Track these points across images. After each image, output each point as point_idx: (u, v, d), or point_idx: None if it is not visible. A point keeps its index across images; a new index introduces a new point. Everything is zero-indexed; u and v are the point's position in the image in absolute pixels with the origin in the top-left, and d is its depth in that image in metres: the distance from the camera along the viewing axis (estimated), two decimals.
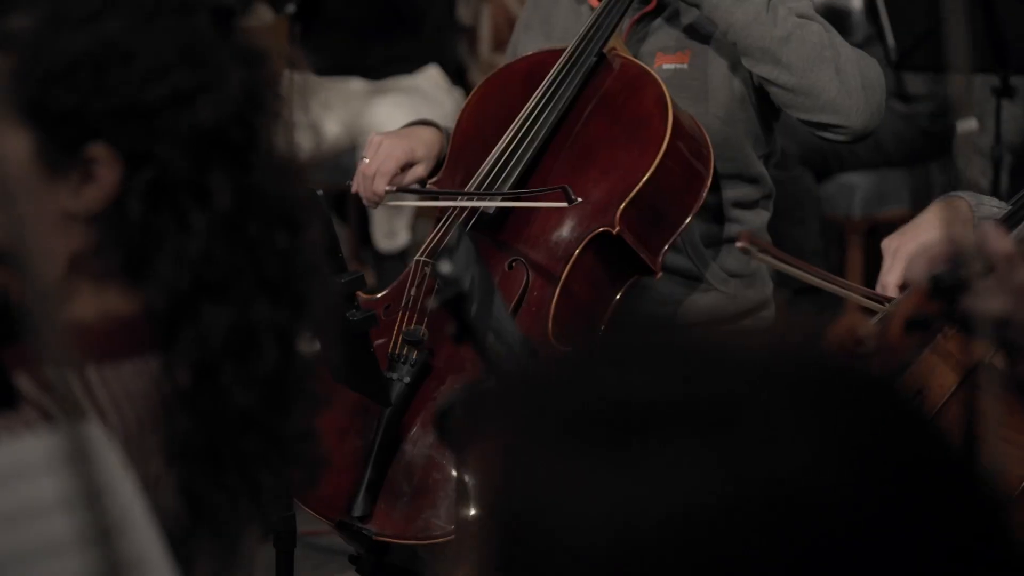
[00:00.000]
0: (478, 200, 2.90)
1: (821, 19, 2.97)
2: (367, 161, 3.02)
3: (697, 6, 2.93)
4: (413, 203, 3.03)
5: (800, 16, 2.93)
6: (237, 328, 1.43)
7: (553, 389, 0.95)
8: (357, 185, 3.02)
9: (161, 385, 1.44)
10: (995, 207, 2.61)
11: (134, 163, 1.43)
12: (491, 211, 2.91)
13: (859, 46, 4.95)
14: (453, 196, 2.96)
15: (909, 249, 2.55)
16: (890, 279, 2.58)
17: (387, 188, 2.99)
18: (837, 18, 5.16)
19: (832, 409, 0.91)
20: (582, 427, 0.91)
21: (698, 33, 3.01)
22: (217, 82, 1.43)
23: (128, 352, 1.45)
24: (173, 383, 1.43)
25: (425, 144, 3.05)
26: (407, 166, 3.02)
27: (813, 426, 0.90)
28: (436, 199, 3.03)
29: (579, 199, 2.77)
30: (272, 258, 1.45)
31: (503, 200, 2.88)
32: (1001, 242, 1.73)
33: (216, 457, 1.44)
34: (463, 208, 2.94)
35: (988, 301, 1.72)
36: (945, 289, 1.72)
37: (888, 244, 2.60)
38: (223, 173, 1.43)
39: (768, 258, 2.58)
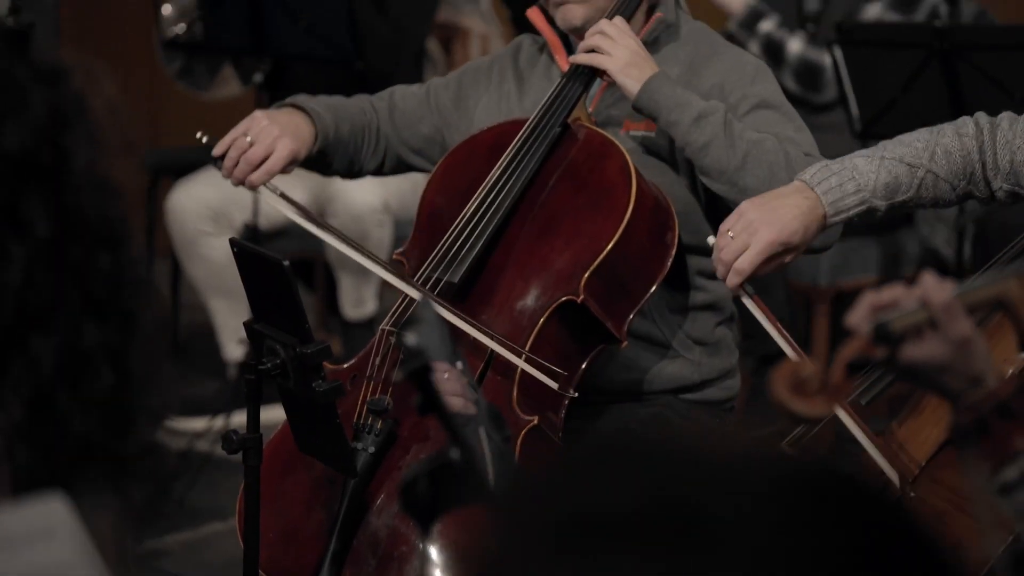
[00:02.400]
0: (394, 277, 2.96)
1: (786, 108, 2.99)
2: (250, 141, 3.07)
3: (654, 118, 2.95)
4: (283, 208, 3.07)
5: (764, 106, 2.96)
6: (67, 354, 1.41)
7: (526, 503, 0.95)
8: (232, 163, 3.08)
9: None
10: (852, 193, 2.66)
11: None
12: (456, 280, 2.92)
13: (831, 104, 5.02)
14: (346, 243, 3.06)
15: (771, 239, 2.65)
16: (745, 262, 2.65)
17: (264, 186, 3.09)
18: (811, 74, 5.20)
19: (798, 516, 0.91)
20: (548, 540, 0.91)
21: None
22: (20, 105, 1.41)
23: None
24: (8, 416, 1.41)
25: (307, 146, 3.14)
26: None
27: (780, 538, 0.90)
28: (306, 217, 3.11)
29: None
30: (97, 280, 1.43)
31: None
32: (939, 293, 1.77)
33: (64, 486, 1.42)
34: (429, 277, 2.94)
35: (928, 350, 1.76)
36: (887, 337, 1.76)
37: (750, 217, 2.67)
38: (37, 198, 1.40)
39: (754, 306, 2.65)
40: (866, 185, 2.68)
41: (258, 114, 3.12)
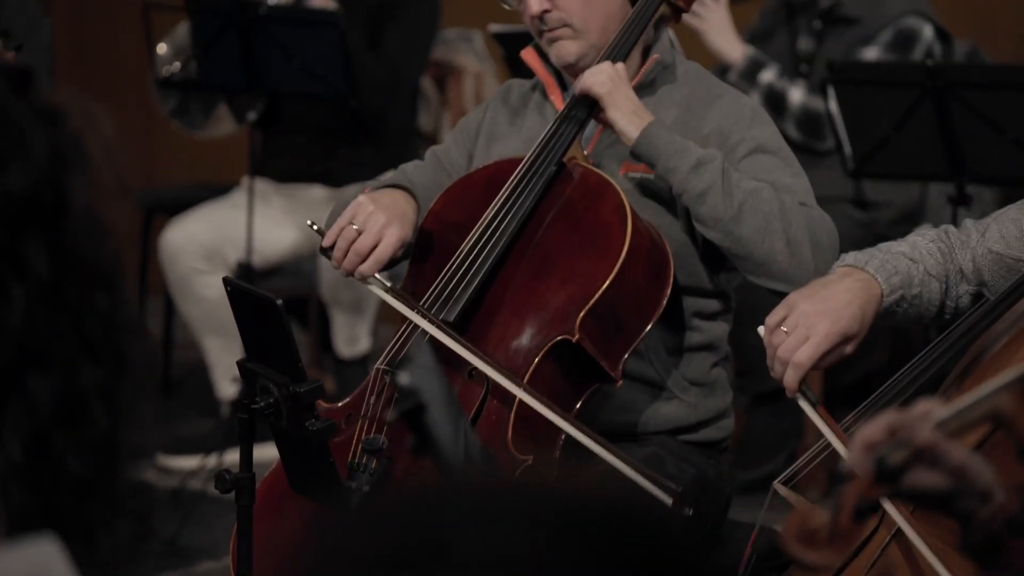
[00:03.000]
0: (465, 349, 2.89)
1: (785, 152, 2.99)
2: (357, 230, 3.00)
3: (651, 164, 2.95)
4: (389, 299, 3.01)
5: (761, 151, 2.96)
6: (65, 395, 1.41)
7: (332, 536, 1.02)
8: (341, 254, 3.00)
9: None
10: (894, 274, 2.60)
11: None
12: (451, 319, 2.91)
13: (832, 152, 5.03)
14: (440, 328, 2.93)
15: (829, 330, 2.54)
16: (804, 356, 2.55)
17: (378, 278, 3.00)
18: (812, 122, 5.21)
19: (550, 547, 0.95)
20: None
21: None
22: (22, 147, 1.41)
23: None
24: (6, 457, 1.41)
25: (413, 227, 3.05)
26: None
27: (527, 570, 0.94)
28: (415, 311, 2.97)
29: None
30: (93, 319, 1.43)
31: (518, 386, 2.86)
32: (923, 434, 1.74)
33: (58, 527, 1.42)
34: (424, 316, 2.94)
35: (928, 479, 1.74)
36: (887, 474, 1.75)
37: (803, 310, 2.57)
38: (37, 239, 1.41)
39: (811, 409, 2.59)
40: (901, 268, 2.60)
41: (363, 200, 3.03)
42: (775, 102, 5.24)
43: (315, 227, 3.05)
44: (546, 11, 3.07)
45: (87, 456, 1.42)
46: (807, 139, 5.22)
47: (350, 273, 3.00)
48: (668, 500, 2.65)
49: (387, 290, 3.00)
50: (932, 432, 1.74)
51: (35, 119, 1.42)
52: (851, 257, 2.63)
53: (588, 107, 3.01)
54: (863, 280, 2.58)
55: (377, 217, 3.00)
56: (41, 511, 1.42)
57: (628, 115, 2.95)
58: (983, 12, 6.40)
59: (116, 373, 1.44)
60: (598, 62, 3.04)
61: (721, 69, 5.31)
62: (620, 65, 3.01)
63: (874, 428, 1.79)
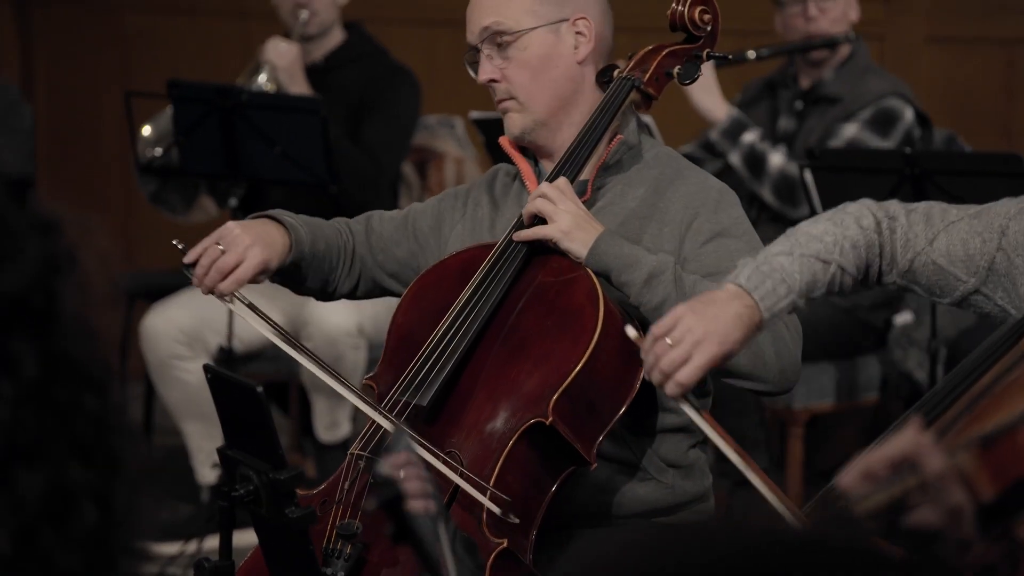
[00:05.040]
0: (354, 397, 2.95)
1: (746, 232, 3.01)
2: (221, 249, 3.05)
3: (605, 278, 2.95)
4: (253, 322, 3.06)
5: (723, 235, 2.98)
6: (53, 491, 1.44)
7: None
8: (204, 271, 3.05)
9: None
10: (784, 296, 2.62)
11: None
12: (425, 402, 2.92)
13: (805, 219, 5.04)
14: (314, 361, 3.05)
15: (716, 352, 2.56)
16: (687, 375, 2.55)
17: (235, 295, 3.06)
18: (789, 188, 5.24)
19: None
20: None
21: (635, 232, 3.05)
22: (16, 251, 1.46)
23: None
24: None
25: (279, 256, 3.11)
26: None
27: None
28: (276, 332, 3.07)
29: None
30: (82, 421, 1.46)
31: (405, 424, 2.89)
32: (934, 461, 1.72)
33: None
34: (399, 400, 2.95)
35: (923, 518, 1.72)
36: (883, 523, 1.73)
37: (691, 326, 2.57)
38: (26, 339, 1.45)
39: (696, 415, 2.60)
40: (793, 287, 2.63)
41: (231, 224, 3.11)
42: (754, 163, 5.27)
43: (180, 245, 3.09)
44: (494, 80, 3.11)
45: (74, 553, 1.44)
46: (782, 204, 5.25)
47: (210, 291, 3.05)
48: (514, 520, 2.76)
49: (251, 308, 3.06)
50: (944, 463, 1.71)
51: (31, 227, 1.47)
52: (745, 273, 2.63)
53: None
54: (750, 306, 2.60)
55: (242, 238, 3.06)
56: None
57: (573, 232, 2.96)
58: (962, 100, 6.46)
59: (110, 475, 1.48)
60: (568, 152, 3.07)
61: (710, 141, 5.36)
62: (562, 180, 3.02)
63: (877, 458, 1.77)
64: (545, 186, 3.01)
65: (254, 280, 3.10)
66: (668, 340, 2.56)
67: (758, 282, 2.62)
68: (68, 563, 1.44)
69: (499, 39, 3.10)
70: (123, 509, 1.48)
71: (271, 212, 3.19)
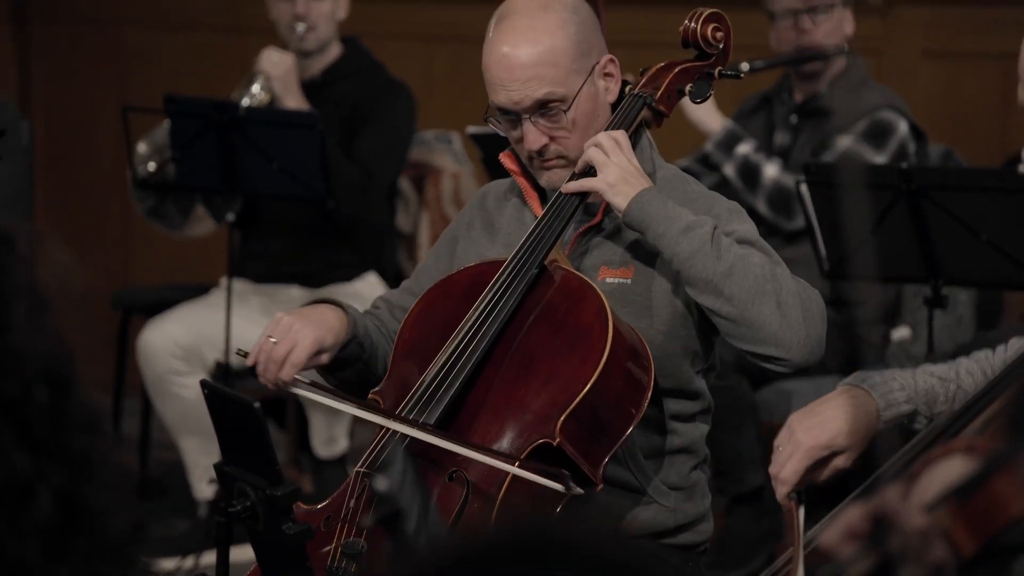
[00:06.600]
0: (401, 424, 2.91)
1: (764, 245, 3.00)
2: (274, 341, 3.01)
3: (642, 232, 2.95)
4: (316, 398, 3.04)
5: (743, 242, 2.96)
6: (2, 481, 1.46)
7: None
8: (262, 367, 3.02)
9: None
10: (899, 390, 2.64)
11: None
12: (432, 421, 2.91)
13: (801, 233, 5.05)
14: (382, 415, 2.98)
15: (811, 444, 2.61)
16: (789, 472, 2.61)
17: (296, 378, 3.00)
18: (784, 199, 5.23)
19: None
20: None
21: (642, 249, 3.03)
22: None
23: None
24: None
25: (333, 332, 3.06)
26: (315, 355, 3.03)
27: None
28: (349, 403, 3.02)
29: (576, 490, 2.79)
30: (32, 412, 1.48)
31: (451, 443, 2.88)
32: (914, 519, 1.71)
33: None
34: (404, 418, 2.94)
35: (905, 573, 1.71)
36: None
37: (793, 427, 2.63)
38: None
39: (794, 518, 2.62)
40: (909, 385, 2.69)
41: (279, 314, 3.07)
42: (749, 174, 5.27)
43: (242, 353, 3.06)
44: (544, 146, 3.07)
45: (28, 541, 1.47)
46: (777, 216, 5.24)
47: (273, 384, 3.01)
48: (560, 487, 2.75)
49: (315, 390, 3.01)
50: (925, 520, 1.71)
51: None
52: (851, 377, 2.73)
53: (572, 206, 3.02)
54: (857, 396, 2.67)
55: (290, 323, 3.02)
56: None
57: (619, 186, 2.95)
58: (959, 115, 6.47)
59: (76, 472, 1.50)
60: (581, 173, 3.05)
61: (705, 153, 5.36)
62: (620, 132, 3.01)
63: (857, 515, 1.76)
64: (602, 135, 3.00)
65: (315, 363, 3.05)
66: (779, 447, 2.66)
67: (866, 376, 2.72)
68: (19, 552, 1.48)
69: (553, 107, 3.04)
70: (101, 511, 1.51)
71: (326, 296, 3.15)
